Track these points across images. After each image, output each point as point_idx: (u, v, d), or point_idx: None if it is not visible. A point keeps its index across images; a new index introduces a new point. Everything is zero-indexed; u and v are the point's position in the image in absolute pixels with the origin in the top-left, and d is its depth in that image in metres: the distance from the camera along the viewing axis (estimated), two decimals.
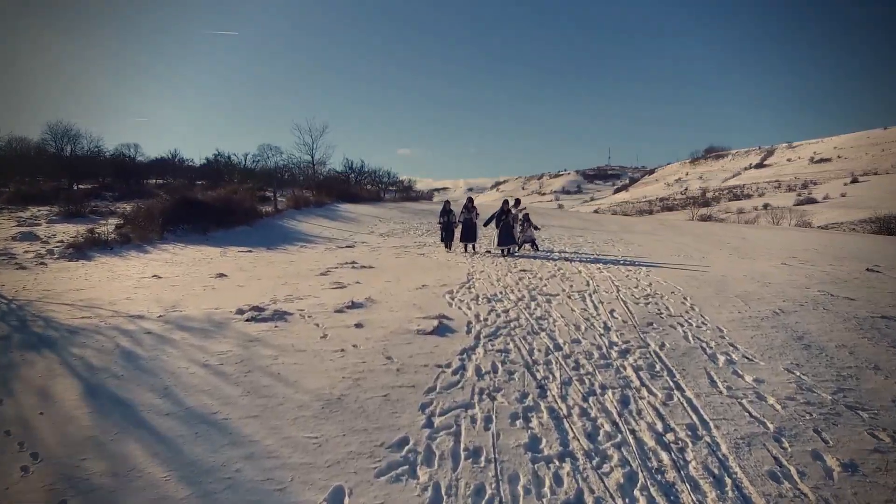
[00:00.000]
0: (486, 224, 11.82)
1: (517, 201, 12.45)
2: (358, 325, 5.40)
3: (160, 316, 5.72)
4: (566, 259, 10.41)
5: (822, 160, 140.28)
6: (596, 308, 6.28)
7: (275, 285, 7.50)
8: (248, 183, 38.00)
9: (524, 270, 8.84)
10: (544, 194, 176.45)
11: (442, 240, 12.14)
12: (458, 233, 11.82)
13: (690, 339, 5.22)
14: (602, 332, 5.40)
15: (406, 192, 41.07)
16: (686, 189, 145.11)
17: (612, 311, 6.13)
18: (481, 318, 5.77)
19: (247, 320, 5.54)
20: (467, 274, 8.55)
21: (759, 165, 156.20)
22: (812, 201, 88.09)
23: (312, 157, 31.28)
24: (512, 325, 5.56)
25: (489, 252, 11.71)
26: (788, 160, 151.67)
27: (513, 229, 11.08)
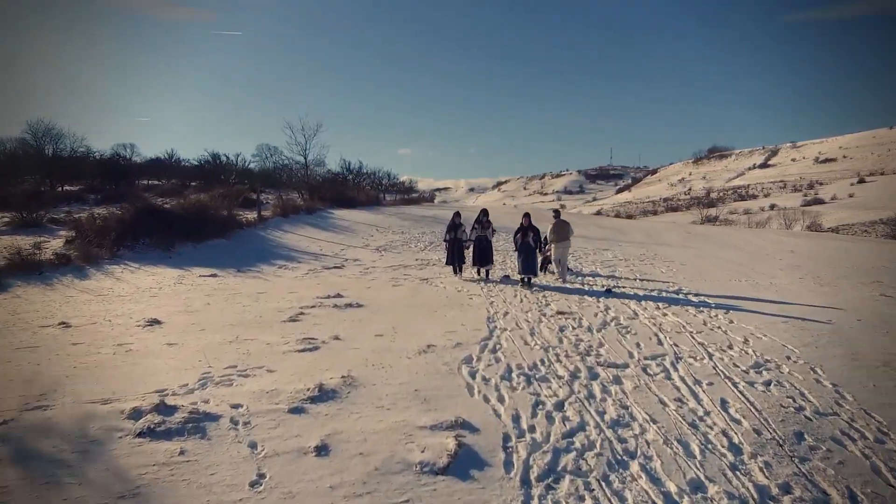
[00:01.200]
0: (516, 251, 8.90)
1: (556, 213, 9.95)
2: (320, 451, 3.20)
3: (5, 422, 3.54)
4: (609, 290, 8.22)
5: (827, 160, 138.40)
6: (696, 397, 4.08)
7: (219, 344, 5.31)
8: (246, 184, 35.83)
9: (562, 313, 6.63)
10: (546, 194, 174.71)
11: (448, 262, 9.65)
12: (468, 253, 9.58)
13: (892, 478, 3.04)
14: (732, 459, 3.20)
15: (406, 194, 38.90)
16: (690, 189, 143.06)
17: (724, 405, 3.93)
18: (524, 426, 3.57)
19: (139, 434, 3.36)
20: (487, 319, 6.35)
21: (764, 165, 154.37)
22: (819, 202, 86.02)
23: (305, 159, 28.99)
24: (577, 442, 3.36)
25: (508, 277, 9.51)
26: (793, 160, 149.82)
27: (536, 252, 8.72)
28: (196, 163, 39.93)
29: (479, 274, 9.45)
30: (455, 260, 9.45)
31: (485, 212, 9.66)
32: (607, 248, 14.55)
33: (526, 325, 6.03)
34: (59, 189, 29.23)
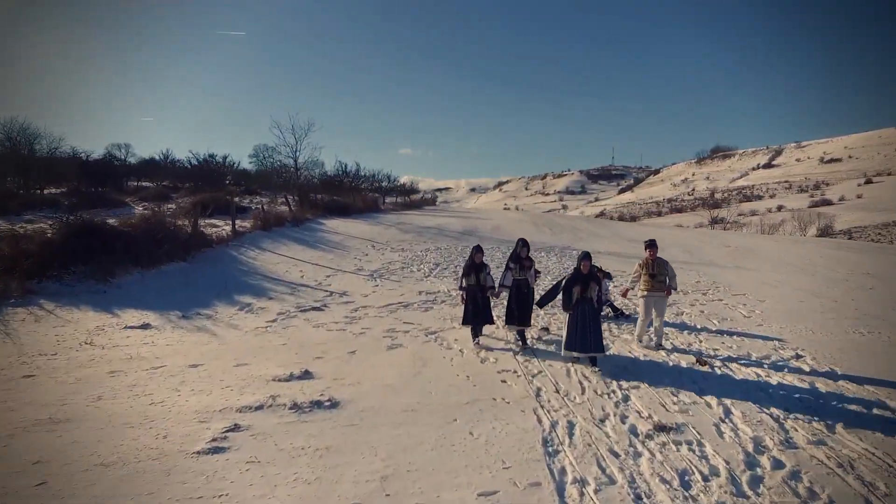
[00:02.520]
0: (541, 303, 6.32)
1: (651, 244, 6.34)
2: None
3: None
4: (700, 358, 5.65)
5: (832, 160, 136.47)
6: None
7: None
8: (243, 185, 33.16)
9: (664, 430, 4.03)
10: (548, 195, 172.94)
11: (466, 321, 6.32)
12: (497, 305, 6.94)
13: None
14: None
15: (407, 196, 36.33)
16: (693, 190, 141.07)
17: None
18: None
19: None
20: (544, 445, 3.77)
21: (768, 165, 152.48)
22: (827, 203, 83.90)
23: (296, 161, 26.31)
24: None
25: (547, 329, 6.91)
26: (797, 160, 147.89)
27: (599, 315, 5.62)
28: (188, 164, 37.39)
29: (521, 341, 6.24)
30: (479, 318, 6.27)
31: (523, 243, 6.39)
32: None
33: (616, 470, 3.44)
34: (41, 192, 26.68)
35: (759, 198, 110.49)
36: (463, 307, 6.37)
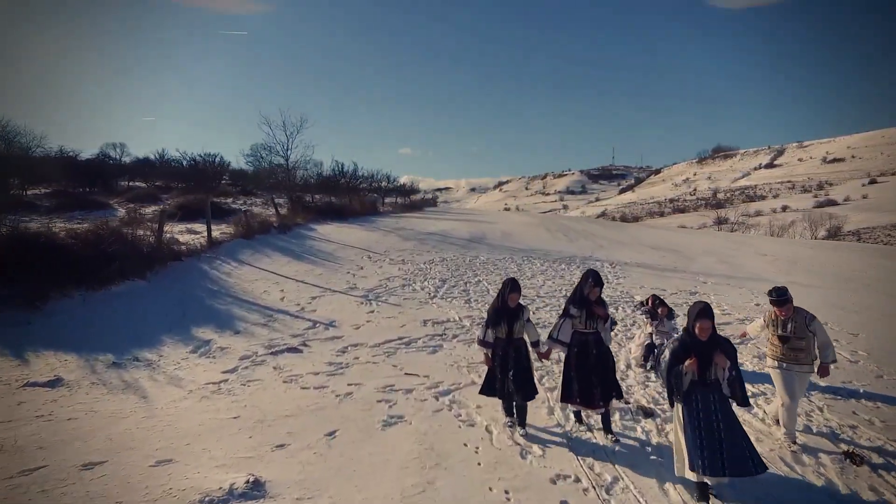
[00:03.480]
0: (672, 400, 3.35)
1: (780, 298, 3.95)
2: None
3: None
4: (850, 454, 3.79)
5: (835, 160, 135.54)
6: None
7: None
8: (239, 185, 31.27)
9: None
10: (548, 194, 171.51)
11: (487, 391, 4.21)
12: (543, 369, 5.00)
13: None
14: None
15: (407, 197, 34.55)
16: (695, 190, 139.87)
17: None
18: None
19: None
20: None
21: (770, 165, 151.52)
22: (832, 203, 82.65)
23: (287, 160, 24.35)
24: None
25: (623, 399, 4.98)
26: (800, 160, 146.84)
27: (730, 406, 3.23)
28: (179, 164, 35.47)
29: (578, 421, 4.30)
30: (508, 388, 4.06)
31: (595, 280, 4.03)
32: (695, 290, 10.15)
33: None
34: (23, 193, 24.79)
35: (763, 198, 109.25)
36: (488, 368, 4.22)
